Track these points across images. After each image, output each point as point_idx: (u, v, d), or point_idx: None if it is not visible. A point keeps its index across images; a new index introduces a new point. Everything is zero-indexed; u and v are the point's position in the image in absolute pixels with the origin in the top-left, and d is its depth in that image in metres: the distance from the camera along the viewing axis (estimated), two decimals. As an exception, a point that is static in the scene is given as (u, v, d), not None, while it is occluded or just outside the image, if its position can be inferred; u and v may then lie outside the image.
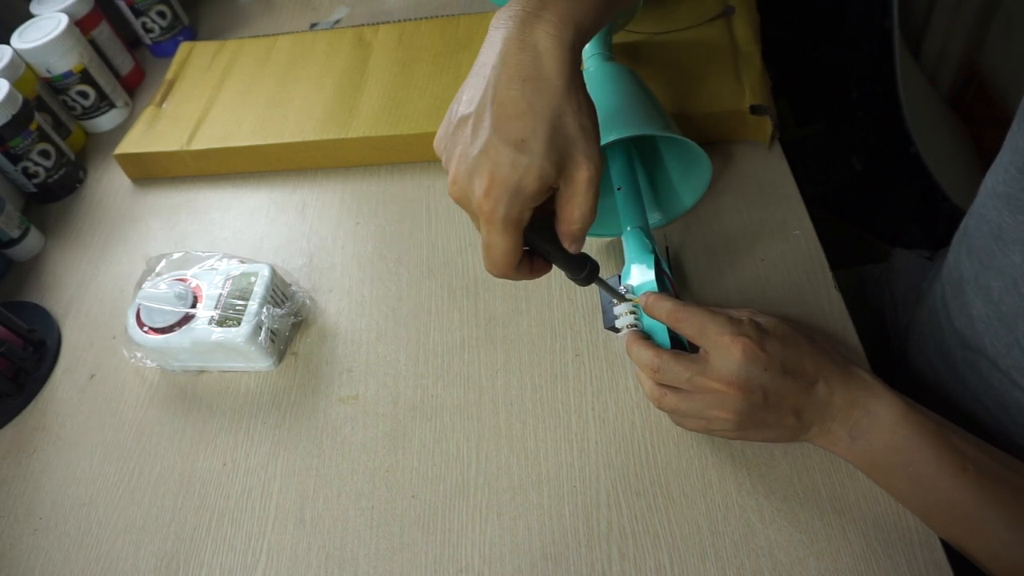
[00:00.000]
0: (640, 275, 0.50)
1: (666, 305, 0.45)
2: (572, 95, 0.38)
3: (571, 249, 0.42)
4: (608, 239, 0.61)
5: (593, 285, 0.46)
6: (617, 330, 0.49)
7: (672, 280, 0.52)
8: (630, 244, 0.53)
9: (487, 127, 0.37)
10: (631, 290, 0.50)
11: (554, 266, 0.44)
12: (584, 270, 0.43)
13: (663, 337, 0.48)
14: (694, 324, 0.44)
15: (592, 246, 0.61)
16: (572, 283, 0.58)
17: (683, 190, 0.60)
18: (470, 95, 0.39)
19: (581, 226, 0.40)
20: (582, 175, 0.38)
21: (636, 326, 0.49)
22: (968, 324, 0.50)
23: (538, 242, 0.41)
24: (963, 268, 0.50)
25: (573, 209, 0.39)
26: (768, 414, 0.44)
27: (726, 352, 0.43)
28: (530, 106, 0.37)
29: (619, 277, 0.52)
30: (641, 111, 0.55)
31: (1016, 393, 0.46)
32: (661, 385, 0.46)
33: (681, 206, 0.60)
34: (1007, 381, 0.47)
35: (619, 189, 0.56)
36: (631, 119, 0.54)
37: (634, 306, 0.49)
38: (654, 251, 0.51)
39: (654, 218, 0.61)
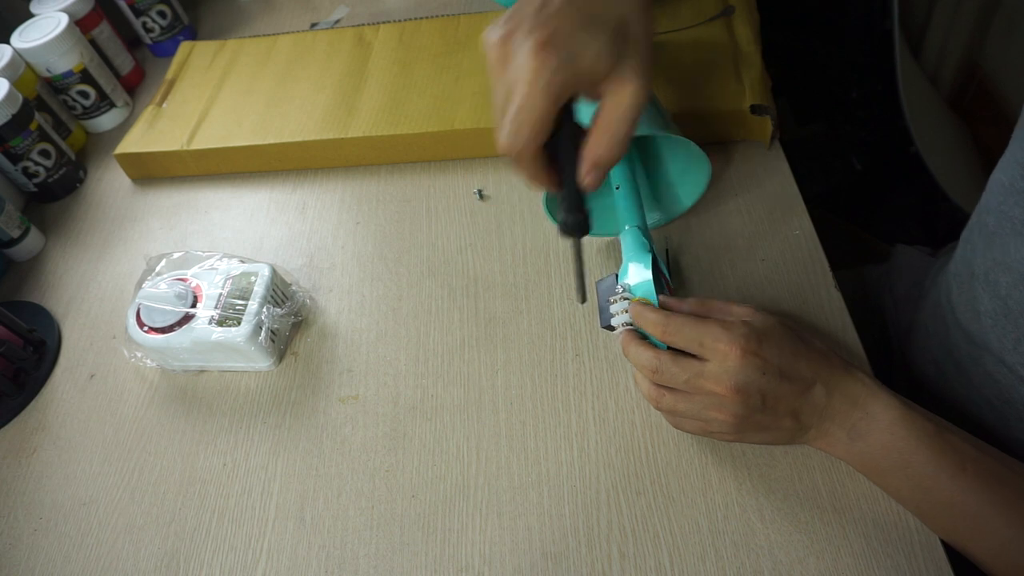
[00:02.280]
0: (637, 274, 0.50)
1: (653, 318, 0.45)
2: (644, 12, 0.39)
3: (586, 178, 0.40)
4: (607, 239, 0.61)
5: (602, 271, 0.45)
6: (613, 329, 0.49)
7: (668, 280, 0.52)
8: (627, 243, 0.53)
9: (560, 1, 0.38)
10: (628, 289, 0.50)
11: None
12: (581, 213, 0.41)
13: None
14: (686, 337, 0.44)
15: (591, 245, 0.61)
16: (572, 283, 0.59)
17: (682, 190, 0.60)
18: None
19: (608, 154, 0.39)
20: (627, 89, 0.38)
21: (631, 325, 0.49)
22: (974, 319, 0.50)
23: (560, 149, 0.40)
24: (974, 263, 0.50)
25: (604, 133, 0.38)
26: (766, 417, 0.44)
27: (723, 358, 0.43)
28: None
29: (616, 276, 0.52)
30: (641, 111, 0.55)
31: (1022, 388, 0.46)
32: (659, 386, 0.46)
33: (680, 206, 0.60)
34: (1012, 377, 0.47)
35: (617, 188, 0.56)
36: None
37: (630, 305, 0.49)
38: (651, 250, 0.51)
39: (653, 217, 0.61)
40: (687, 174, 0.59)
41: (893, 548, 0.43)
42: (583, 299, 0.46)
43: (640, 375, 0.47)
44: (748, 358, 0.42)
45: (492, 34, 0.40)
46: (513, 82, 0.38)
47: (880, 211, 1.14)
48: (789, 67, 1.12)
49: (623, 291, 0.50)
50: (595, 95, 0.39)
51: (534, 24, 0.37)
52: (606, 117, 0.39)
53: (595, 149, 0.39)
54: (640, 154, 0.61)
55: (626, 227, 0.54)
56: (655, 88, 0.65)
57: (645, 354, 0.45)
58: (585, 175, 0.40)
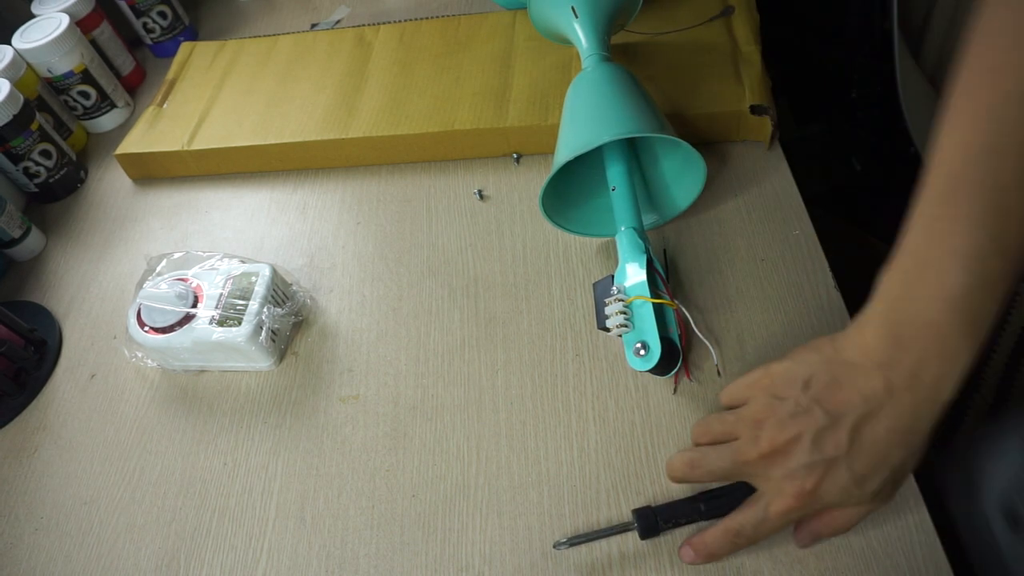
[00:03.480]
0: (632, 275, 0.50)
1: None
2: (921, 452, 0.39)
3: (798, 538, 0.42)
4: (603, 239, 0.61)
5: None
6: (608, 330, 0.49)
7: (665, 280, 0.52)
8: (623, 244, 0.53)
9: (843, 447, 0.37)
10: (623, 291, 0.50)
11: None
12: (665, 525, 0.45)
13: (653, 336, 0.48)
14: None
15: (588, 246, 0.61)
16: (572, 283, 0.59)
17: (678, 191, 0.60)
18: (824, 398, 0.38)
19: (806, 542, 0.41)
20: (857, 513, 0.40)
21: (627, 327, 0.49)
22: None
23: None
24: None
25: (818, 525, 0.40)
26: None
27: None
28: (886, 456, 0.38)
29: (612, 278, 0.52)
30: (636, 112, 0.55)
31: None
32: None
33: (677, 207, 0.60)
34: None
35: (614, 189, 0.56)
36: (626, 120, 0.54)
37: (625, 306, 0.49)
38: (647, 251, 0.52)
39: (650, 219, 0.61)
40: (683, 175, 0.59)
41: (893, 547, 0.43)
42: None
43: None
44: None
45: (777, 412, 0.39)
46: (766, 490, 0.40)
47: (880, 211, 1.14)
48: (789, 67, 1.12)
49: (618, 292, 0.50)
50: None
51: (810, 466, 0.37)
52: (826, 517, 0.40)
53: (804, 530, 0.41)
54: (637, 155, 0.62)
55: (622, 228, 0.54)
56: (655, 89, 0.65)
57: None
58: (801, 539, 0.42)
